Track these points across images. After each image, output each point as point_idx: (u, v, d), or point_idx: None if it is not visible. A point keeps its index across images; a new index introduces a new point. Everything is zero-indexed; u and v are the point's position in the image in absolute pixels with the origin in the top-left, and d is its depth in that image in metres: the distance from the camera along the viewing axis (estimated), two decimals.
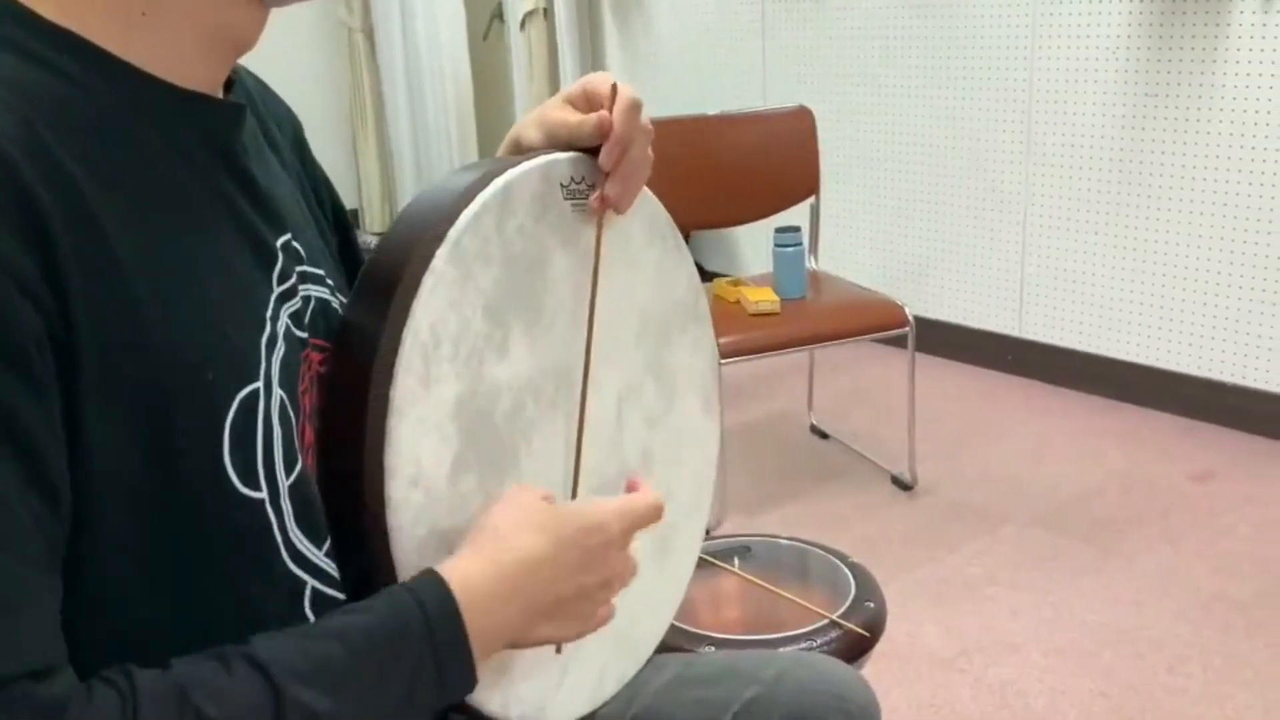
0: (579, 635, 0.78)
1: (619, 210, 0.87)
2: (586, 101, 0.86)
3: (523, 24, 4.48)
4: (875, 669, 1.97)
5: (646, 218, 0.98)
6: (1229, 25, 2.71)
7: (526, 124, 0.89)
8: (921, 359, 3.42)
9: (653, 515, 0.81)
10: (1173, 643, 2.02)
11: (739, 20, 3.95)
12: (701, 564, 1.40)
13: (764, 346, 2.44)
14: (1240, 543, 2.37)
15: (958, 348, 3.50)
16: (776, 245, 2.64)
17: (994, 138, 3.28)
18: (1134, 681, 1.92)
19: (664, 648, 1.10)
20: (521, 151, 0.89)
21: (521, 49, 4.55)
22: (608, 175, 0.86)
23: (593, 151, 0.87)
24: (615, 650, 0.96)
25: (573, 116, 0.85)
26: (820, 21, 3.68)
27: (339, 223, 0.95)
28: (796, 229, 2.66)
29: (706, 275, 3.87)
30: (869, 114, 3.60)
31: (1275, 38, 2.63)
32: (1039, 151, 3.18)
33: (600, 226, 0.89)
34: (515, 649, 0.76)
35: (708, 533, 2.54)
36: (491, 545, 0.73)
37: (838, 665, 0.97)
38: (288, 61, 4.91)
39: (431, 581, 0.69)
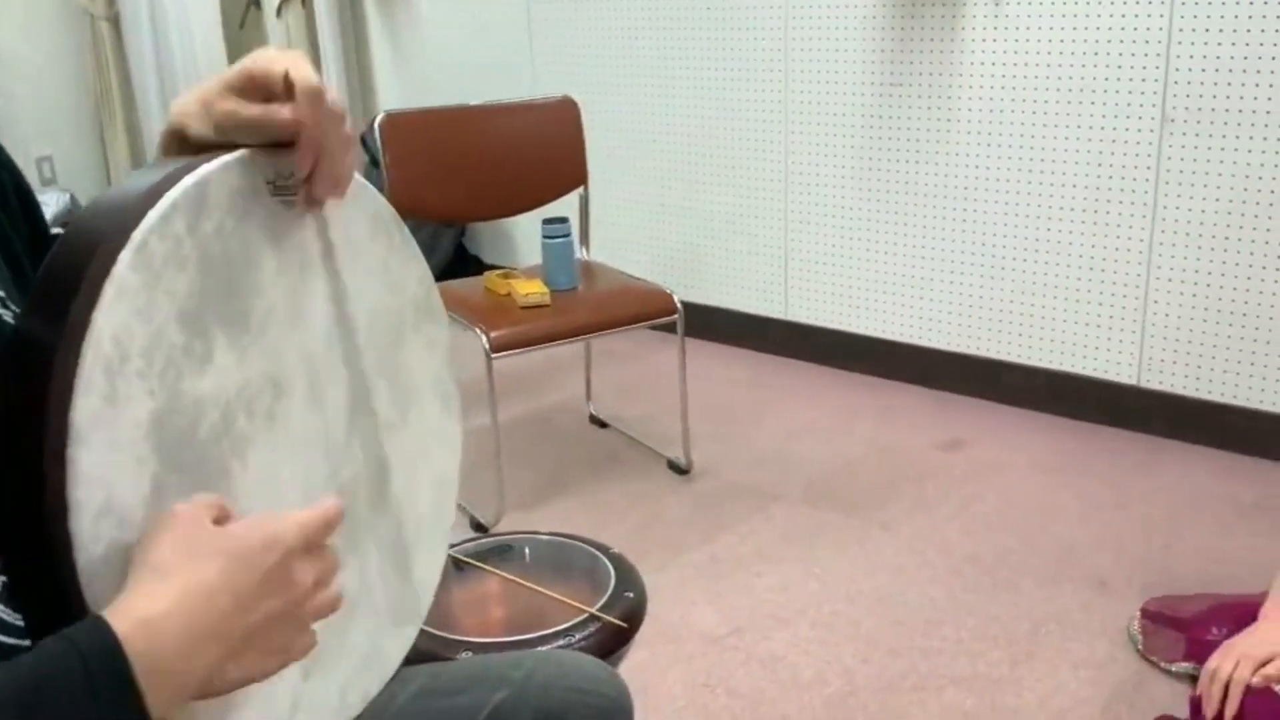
0: (280, 668, 0.70)
1: (335, 198, 0.82)
2: (256, 89, 0.77)
3: (279, 10, 4.30)
4: (651, 653, 2.00)
5: (369, 213, 0.94)
6: (964, 19, 2.87)
7: (187, 114, 0.79)
8: (696, 344, 3.51)
9: (334, 519, 0.72)
10: (928, 606, 2.14)
11: (504, 9, 3.91)
12: (461, 567, 1.37)
13: (535, 339, 2.43)
14: (988, 506, 2.53)
15: (729, 332, 3.60)
16: (545, 237, 2.63)
17: (754, 127, 3.38)
18: (894, 646, 2.01)
19: (419, 657, 1.07)
20: (187, 146, 0.82)
21: (279, 37, 4.36)
22: (309, 178, 0.80)
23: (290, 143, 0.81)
24: (358, 666, 0.92)
25: (245, 109, 0.77)
26: (585, 10, 3.69)
27: (25, 208, 0.85)
28: (564, 220, 2.65)
29: (484, 268, 3.82)
30: (635, 103, 3.64)
31: (1006, 29, 2.81)
32: (796, 140, 3.30)
33: (322, 224, 0.84)
34: (211, 695, 0.67)
35: (486, 530, 2.50)
36: (151, 580, 0.64)
37: (585, 660, 0.96)
38: (28, 50, 4.54)
39: (93, 625, 0.61)
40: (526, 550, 1.42)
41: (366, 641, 0.93)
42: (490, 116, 2.79)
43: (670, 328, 2.61)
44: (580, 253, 2.86)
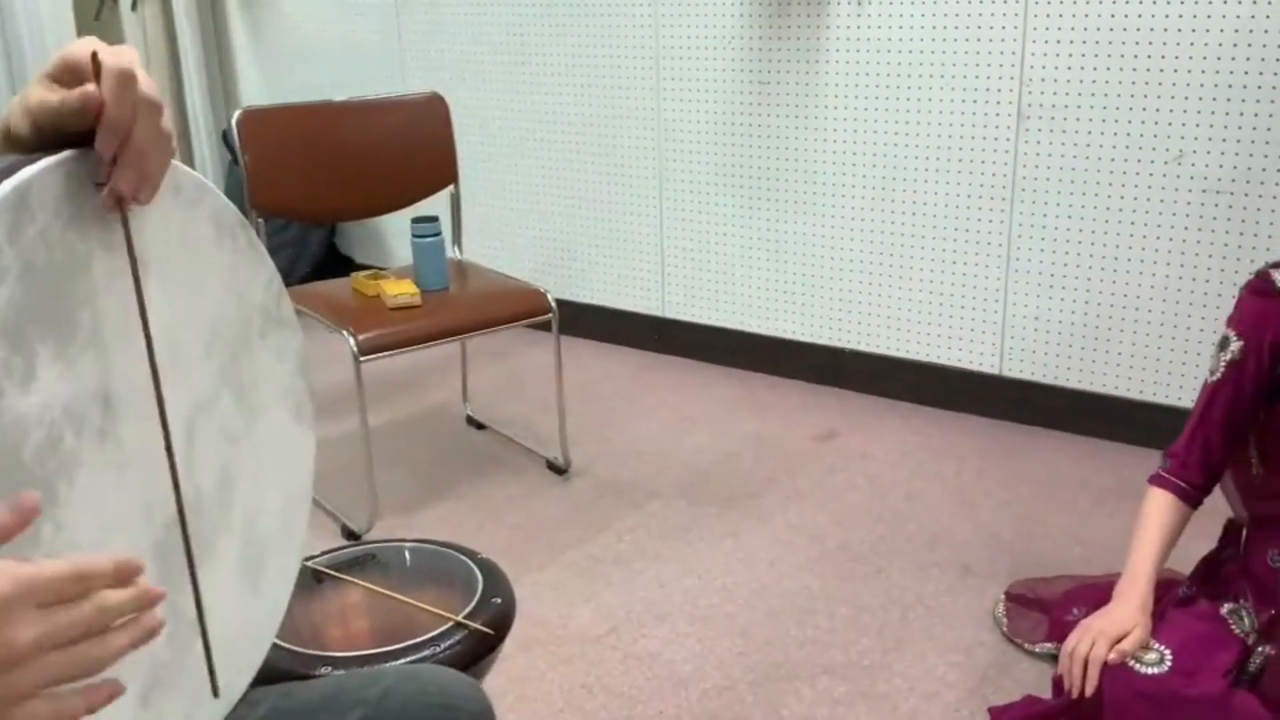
0: None
1: (140, 201, 0.77)
2: (71, 75, 0.73)
3: (134, 3, 4.13)
4: (529, 656, 1.98)
5: (211, 214, 0.90)
6: (828, 18, 2.92)
7: (11, 112, 0.76)
8: (574, 343, 3.50)
9: (64, 585, 0.61)
10: (802, 596, 2.17)
11: (373, 5, 3.83)
12: (321, 578, 1.33)
13: (405, 340, 2.38)
14: (859, 495, 2.58)
15: (607, 330, 3.59)
16: (414, 236, 2.58)
17: (627, 124, 3.38)
18: (769, 637, 2.04)
19: (276, 675, 1.04)
20: (13, 145, 0.78)
21: (136, 31, 4.18)
22: (112, 164, 0.75)
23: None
24: (204, 689, 0.89)
25: (53, 95, 0.73)
26: (455, 4, 3.64)
27: None
28: (434, 219, 2.61)
29: (357, 268, 3.73)
30: (508, 99, 3.61)
31: (867, 29, 2.87)
32: (669, 138, 3.31)
33: (126, 225, 0.78)
34: None
35: (358, 538, 2.44)
36: None
37: (446, 674, 0.94)
38: None
39: None
40: (391, 559, 1.39)
41: (213, 658, 0.89)
42: (355, 113, 2.73)
43: (544, 326, 2.60)
44: (452, 252, 2.81)
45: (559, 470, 2.72)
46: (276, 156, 2.54)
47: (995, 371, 2.92)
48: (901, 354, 3.06)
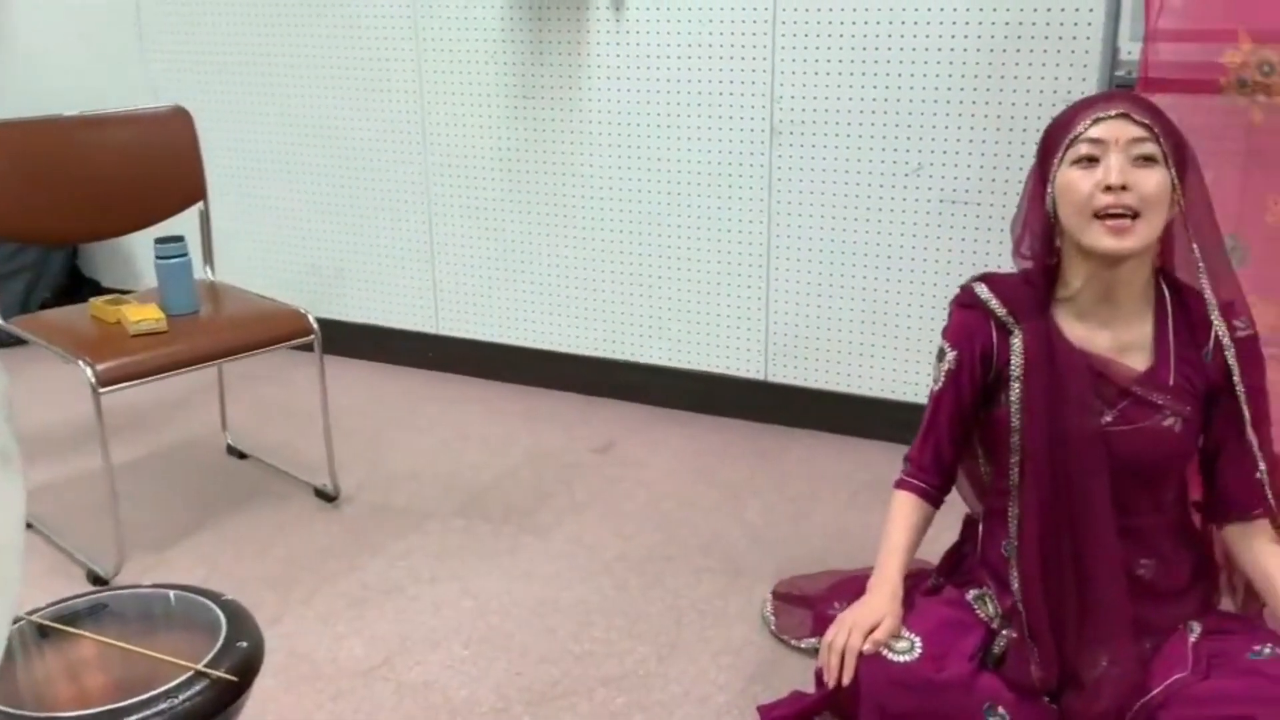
0: None
1: None
2: None
3: None
4: (295, 696, 1.89)
5: None
6: (587, 27, 2.95)
7: None
8: (344, 363, 3.39)
9: None
10: (579, 609, 2.17)
11: (110, 9, 3.60)
12: (46, 633, 1.23)
13: (150, 370, 2.23)
14: (636, 504, 2.60)
15: (379, 349, 3.50)
16: (158, 258, 2.43)
17: (390, 137, 3.31)
18: (546, 654, 2.02)
19: None
20: None
21: None
22: None
23: None
24: None
25: None
26: (202, 14, 3.46)
27: None
28: (179, 238, 2.47)
29: (103, 292, 3.50)
30: (262, 111, 3.46)
31: (627, 44, 2.91)
32: (435, 151, 3.26)
33: None
34: None
35: (106, 583, 2.28)
36: None
37: None
38: None
39: None
40: (127, 607, 1.29)
41: None
42: (90, 128, 2.54)
43: (310, 348, 2.50)
44: (203, 273, 2.67)
45: (328, 497, 2.62)
46: (4, 175, 2.34)
47: (760, 377, 3.01)
48: (673, 364, 3.11)
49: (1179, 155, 1.49)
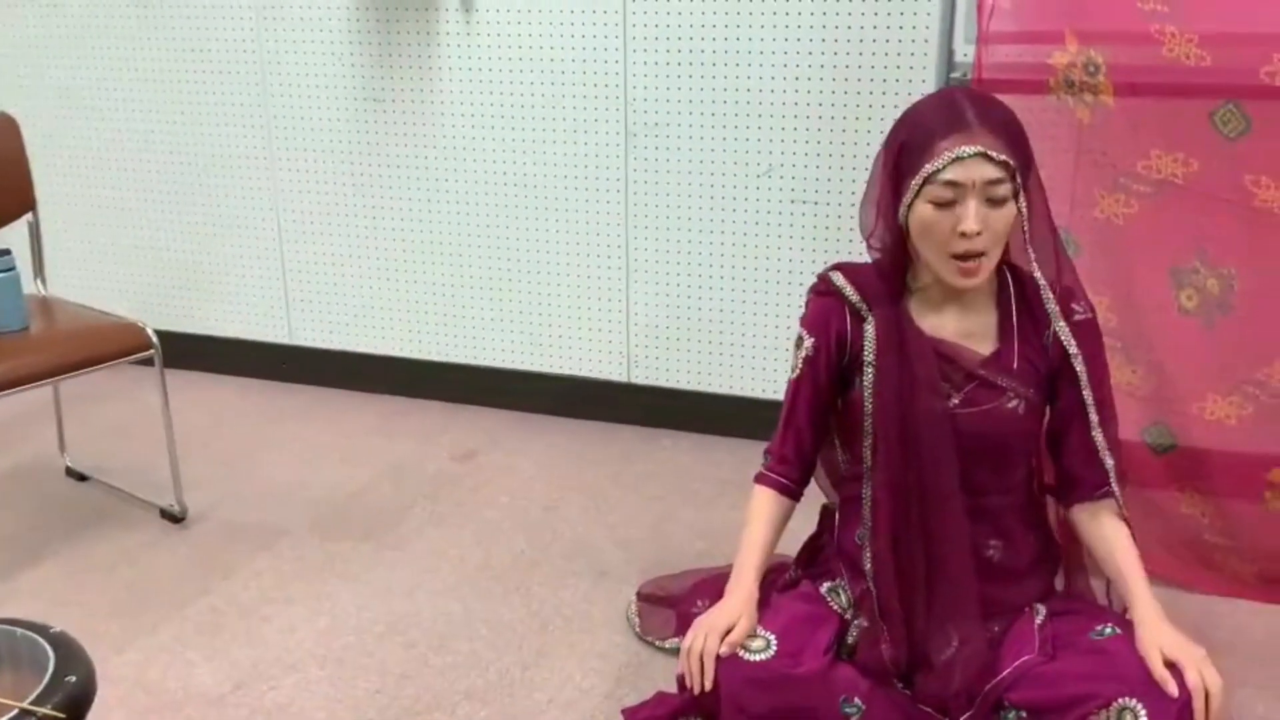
0: None
1: None
2: None
3: None
4: None
5: None
6: (437, 30, 2.90)
7: None
8: (192, 378, 3.26)
9: None
10: (442, 622, 2.13)
11: None
12: None
13: None
14: (500, 512, 2.57)
15: (230, 362, 3.38)
16: None
17: (237, 145, 3.20)
18: (407, 670, 1.98)
19: None
20: None
21: None
22: None
23: None
24: None
25: None
26: (28, 18, 3.28)
27: None
28: (6, 251, 2.34)
29: None
30: (97, 118, 3.31)
31: (478, 46, 2.88)
32: (283, 158, 3.16)
33: None
34: None
35: None
36: None
37: None
38: None
39: None
40: None
41: None
42: None
43: (151, 363, 2.39)
44: (34, 287, 2.53)
45: (175, 518, 2.51)
46: None
47: (624, 379, 3.02)
48: (534, 368, 3.09)
49: (1023, 165, 1.53)
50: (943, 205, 1.50)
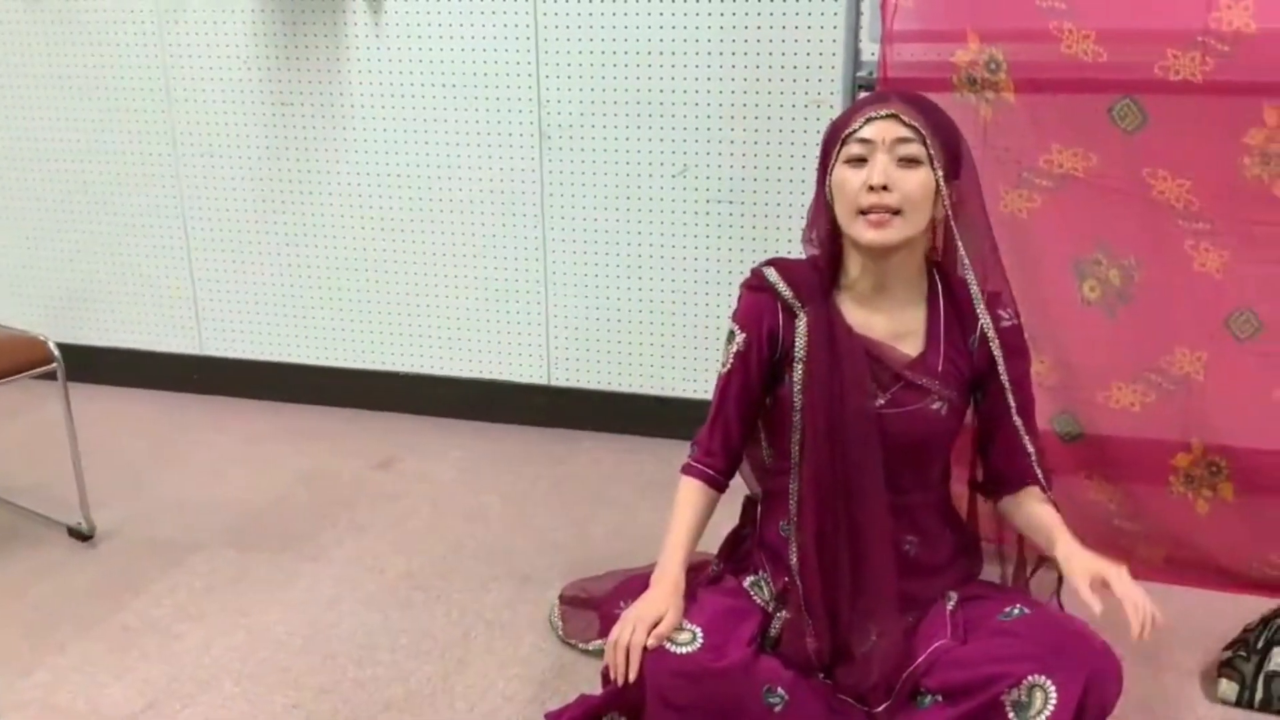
0: None
1: None
2: None
3: None
4: None
5: None
6: (344, 30, 2.86)
7: None
8: (99, 391, 3.17)
9: None
10: (362, 633, 2.09)
11: None
12: None
13: None
14: (420, 519, 2.54)
15: (139, 374, 3.29)
16: None
17: (140, 151, 3.12)
18: (325, 683, 1.94)
19: None
20: None
21: None
22: None
23: None
24: None
25: None
26: None
27: None
28: None
29: None
30: None
31: (386, 35, 2.84)
32: (188, 164, 3.09)
33: None
34: None
35: None
36: None
37: None
38: None
39: None
40: None
41: None
42: None
43: (53, 376, 2.32)
44: None
45: (82, 536, 2.44)
46: None
47: (543, 382, 3.00)
48: (453, 373, 3.06)
49: (948, 154, 1.56)
50: (856, 163, 1.54)
